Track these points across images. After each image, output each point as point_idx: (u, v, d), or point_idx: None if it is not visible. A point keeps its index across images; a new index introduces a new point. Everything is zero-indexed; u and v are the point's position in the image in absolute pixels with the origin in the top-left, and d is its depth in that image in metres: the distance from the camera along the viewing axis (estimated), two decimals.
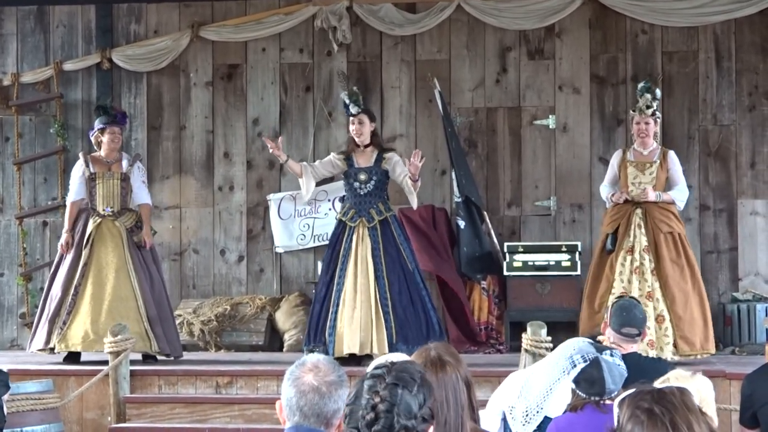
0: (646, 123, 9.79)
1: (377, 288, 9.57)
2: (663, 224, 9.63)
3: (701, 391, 4.69)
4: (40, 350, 10.10)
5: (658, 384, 3.51)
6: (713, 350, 9.64)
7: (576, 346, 4.72)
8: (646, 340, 9.31)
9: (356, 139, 9.85)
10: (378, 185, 9.79)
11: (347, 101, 9.91)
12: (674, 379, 4.68)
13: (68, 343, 9.91)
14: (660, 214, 9.68)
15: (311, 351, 9.44)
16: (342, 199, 10.07)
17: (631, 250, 9.60)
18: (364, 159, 9.86)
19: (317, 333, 9.68)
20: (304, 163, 10.12)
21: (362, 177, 9.79)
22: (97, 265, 10.08)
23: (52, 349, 10.02)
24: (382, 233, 9.71)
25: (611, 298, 9.40)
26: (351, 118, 9.89)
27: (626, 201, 9.78)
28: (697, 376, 4.76)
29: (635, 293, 9.36)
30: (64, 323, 9.96)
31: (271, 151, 9.91)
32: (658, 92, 9.96)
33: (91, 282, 10.03)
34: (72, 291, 10.03)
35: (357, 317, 9.49)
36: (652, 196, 9.65)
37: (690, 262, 9.65)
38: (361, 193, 9.78)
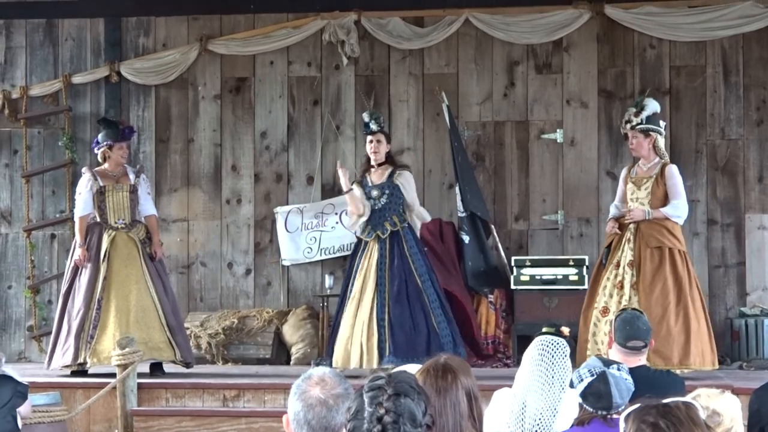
0: (634, 137, 9.72)
1: (377, 298, 9.70)
2: (652, 239, 9.52)
3: (731, 409, 4.69)
4: (66, 366, 10.08)
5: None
6: (697, 366, 9.38)
7: (545, 339, 4.74)
8: None
9: (372, 157, 10.01)
10: (391, 198, 9.94)
11: (367, 119, 10.08)
12: (705, 396, 4.69)
13: (100, 357, 9.90)
14: (651, 229, 9.56)
15: (318, 364, 9.46)
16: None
17: (618, 265, 9.59)
18: (377, 176, 10.04)
19: (332, 346, 9.91)
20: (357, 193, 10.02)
21: (375, 193, 9.96)
22: (117, 278, 10.12)
23: (81, 364, 10.02)
24: (391, 245, 9.86)
25: (595, 313, 9.43)
26: (369, 137, 10.04)
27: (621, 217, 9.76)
28: (726, 395, 4.76)
29: (613, 308, 9.30)
30: (92, 337, 9.96)
31: (342, 178, 9.95)
32: (653, 105, 9.80)
33: (114, 295, 10.07)
34: (95, 305, 10.05)
35: (350, 333, 9.67)
36: (638, 215, 9.59)
37: (678, 276, 9.45)
38: (376, 208, 9.96)
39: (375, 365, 9.41)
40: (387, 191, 9.93)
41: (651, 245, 9.50)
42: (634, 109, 9.74)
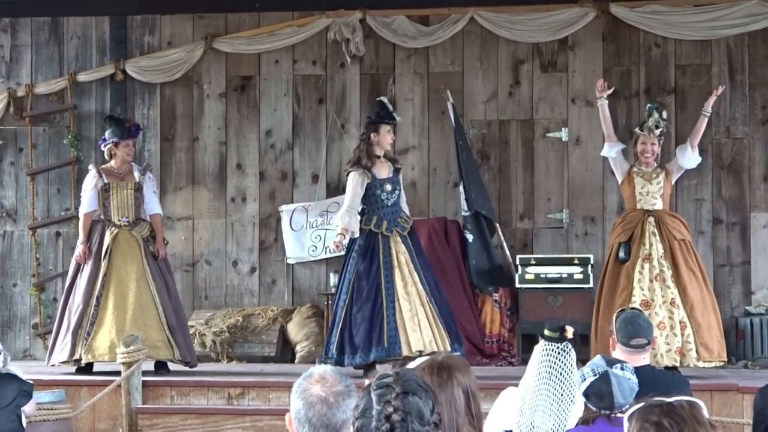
0: (652, 144, 9.80)
1: (425, 292, 9.57)
2: (676, 231, 9.66)
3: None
4: (63, 362, 10.09)
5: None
6: (725, 358, 9.64)
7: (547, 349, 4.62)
8: (675, 348, 9.31)
9: (387, 148, 9.79)
10: (399, 195, 9.81)
11: (391, 108, 9.88)
12: None
13: (95, 354, 9.92)
14: (672, 221, 9.74)
15: (323, 362, 9.39)
16: (361, 212, 9.85)
17: (648, 258, 9.60)
18: (383, 170, 9.78)
19: (371, 342, 9.44)
20: (352, 220, 9.73)
21: (388, 187, 9.72)
22: (117, 276, 10.12)
23: (77, 361, 10.02)
24: (412, 242, 9.73)
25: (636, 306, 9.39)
26: (388, 127, 9.75)
27: (636, 210, 9.77)
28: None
29: (658, 301, 9.40)
30: (89, 334, 9.97)
31: (336, 243, 9.87)
32: (665, 113, 9.96)
33: (112, 292, 10.07)
34: (94, 302, 10.06)
35: (416, 319, 9.44)
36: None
37: (701, 269, 9.70)
38: (389, 203, 9.72)
39: (449, 349, 9.26)
40: (397, 187, 9.77)
41: (677, 238, 9.61)
42: (658, 115, 9.81)
